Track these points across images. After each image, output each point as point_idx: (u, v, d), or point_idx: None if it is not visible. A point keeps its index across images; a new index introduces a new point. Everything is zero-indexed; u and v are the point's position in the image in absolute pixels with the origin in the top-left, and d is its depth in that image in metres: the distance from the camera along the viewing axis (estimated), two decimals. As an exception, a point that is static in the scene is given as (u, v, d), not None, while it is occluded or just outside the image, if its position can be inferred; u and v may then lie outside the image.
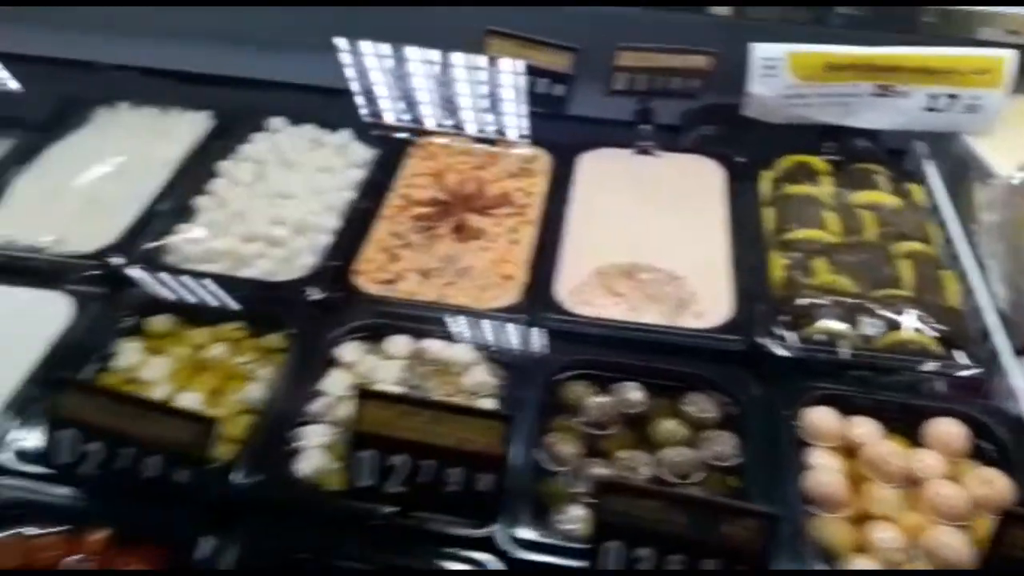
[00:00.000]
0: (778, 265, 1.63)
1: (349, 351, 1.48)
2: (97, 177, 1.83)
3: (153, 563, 1.17)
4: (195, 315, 1.54)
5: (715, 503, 0.98)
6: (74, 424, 1.07)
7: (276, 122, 2.00)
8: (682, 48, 1.81)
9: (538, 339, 1.51)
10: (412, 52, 1.92)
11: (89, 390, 1.07)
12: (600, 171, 1.90)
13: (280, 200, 1.80)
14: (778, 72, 1.78)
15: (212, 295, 1.57)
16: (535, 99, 1.90)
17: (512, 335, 1.51)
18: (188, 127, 1.99)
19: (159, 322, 1.52)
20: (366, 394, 1.05)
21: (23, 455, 1.25)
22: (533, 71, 1.87)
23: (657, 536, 0.98)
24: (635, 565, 0.99)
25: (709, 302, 1.56)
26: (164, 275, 1.60)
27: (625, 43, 1.81)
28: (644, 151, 1.95)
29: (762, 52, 1.77)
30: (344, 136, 1.98)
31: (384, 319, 1.52)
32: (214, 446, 1.13)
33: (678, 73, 1.84)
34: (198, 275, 1.60)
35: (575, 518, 1.22)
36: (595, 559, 1.01)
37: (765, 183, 1.85)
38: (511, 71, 1.88)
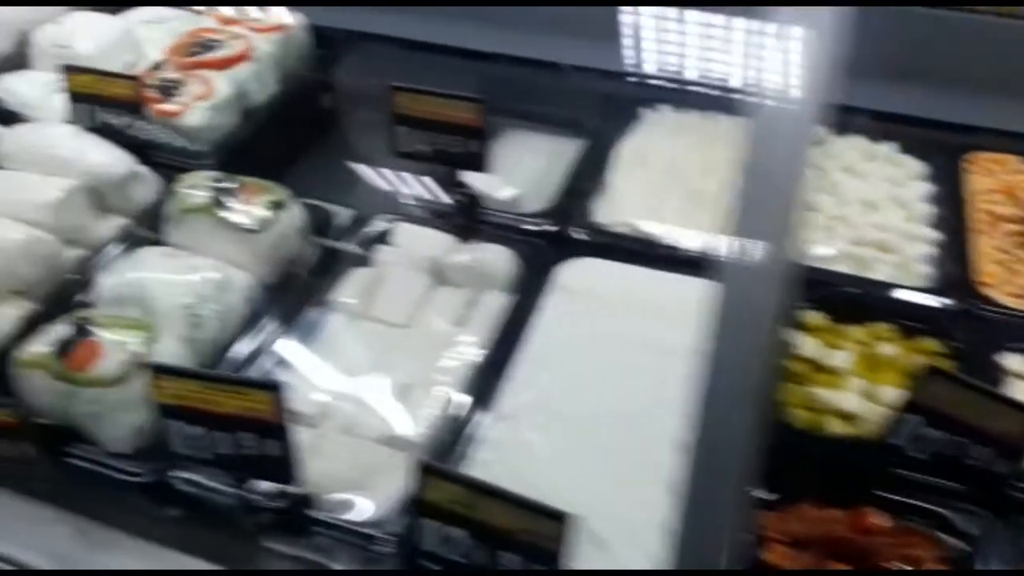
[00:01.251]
0: None
1: (1015, 361, 1.51)
2: (683, 173, 1.96)
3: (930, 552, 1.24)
4: (836, 311, 1.62)
5: None
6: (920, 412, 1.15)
7: (821, 131, 2.07)
8: None
9: None
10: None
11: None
12: None
13: (865, 208, 1.85)
14: None
15: (859, 295, 1.64)
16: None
17: None
18: (727, 131, 2.09)
19: (814, 317, 1.61)
20: None
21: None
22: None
23: None
24: None
25: None
26: (796, 271, 1.69)
27: None
28: None
29: None
30: (887, 148, 2.02)
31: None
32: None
33: None
34: (839, 275, 1.68)
35: None
36: None
37: None
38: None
